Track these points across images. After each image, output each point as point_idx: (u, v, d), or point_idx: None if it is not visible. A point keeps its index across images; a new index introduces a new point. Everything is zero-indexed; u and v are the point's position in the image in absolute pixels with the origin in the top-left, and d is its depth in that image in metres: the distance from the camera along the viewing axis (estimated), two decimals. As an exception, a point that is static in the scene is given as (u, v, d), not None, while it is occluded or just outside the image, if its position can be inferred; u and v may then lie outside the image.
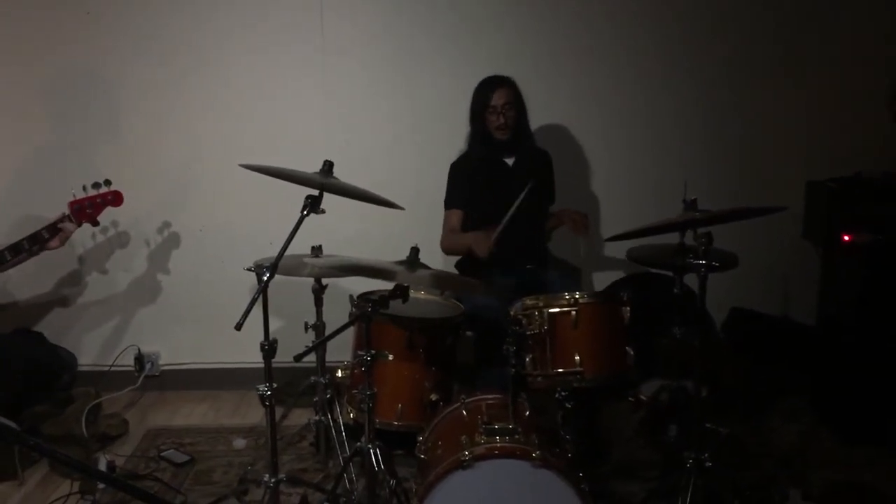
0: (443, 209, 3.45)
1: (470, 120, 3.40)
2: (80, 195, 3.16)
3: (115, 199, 3.24)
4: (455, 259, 3.49)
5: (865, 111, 3.81)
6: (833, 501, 2.84)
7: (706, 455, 2.50)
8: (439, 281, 2.68)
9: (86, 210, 3.18)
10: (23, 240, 3.06)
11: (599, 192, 3.91)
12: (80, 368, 3.77)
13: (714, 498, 2.61)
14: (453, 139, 3.52)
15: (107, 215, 3.32)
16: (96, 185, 3.16)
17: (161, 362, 3.91)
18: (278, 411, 3.28)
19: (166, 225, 3.78)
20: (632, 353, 2.60)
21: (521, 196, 3.06)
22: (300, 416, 3.42)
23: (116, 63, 3.67)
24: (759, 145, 3.87)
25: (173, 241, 3.81)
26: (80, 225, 3.18)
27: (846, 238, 3.34)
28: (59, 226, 3.10)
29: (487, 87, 3.32)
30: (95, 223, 3.24)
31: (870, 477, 3.00)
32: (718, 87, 3.81)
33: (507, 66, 3.43)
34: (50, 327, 3.80)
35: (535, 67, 3.63)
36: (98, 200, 3.20)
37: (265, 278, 2.30)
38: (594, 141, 3.86)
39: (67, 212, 3.15)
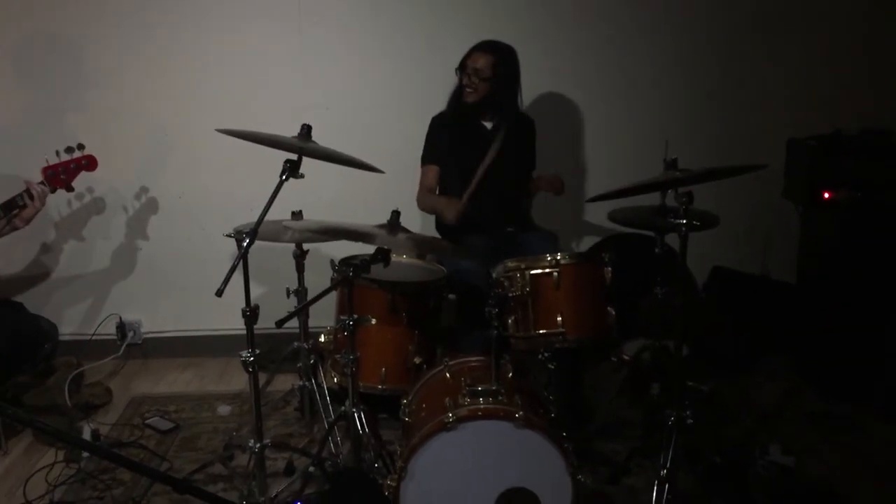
0: None
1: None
2: (54, 160, 3.10)
3: (90, 163, 3.18)
4: (436, 222, 3.47)
5: (844, 68, 3.81)
6: (813, 457, 2.89)
7: (687, 413, 2.52)
8: (419, 244, 2.67)
9: (59, 175, 3.11)
10: (-4, 208, 3.01)
11: (581, 153, 3.90)
12: (62, 338, 3.72)
13: (695, 454, 2.66)
14: (433, 101, 3.47)
15: (82, 181, 3.25)
16: (69, 150, 3.10)
17: (143, 330, 3.89)
18: (262, 377, 3.29)
19: (143, 190, 3.73)
20: (613, 313, 2.63)
21: (491, 153, 3.04)
22: (284, 382, 3.43)
23: (90, 28, 3.58)
24: (739, 104, 3.87)
25: (151, 206, 3.76)
26: (54, 190, 3.13)
27: (826, 195, 3.36)
28: (33, 192, 3.04)
29: (472, 48, 3.27)
30: (70, 189, 3.18)
31: (849, 434, 3.05)
32: (699, 47, 3.79)
33: (482, 31, 3.37)
34: (29, 297, 3.75)
35: (515, 31, 3.54)
36: (72, 165, 3.13)
37: (245, 244, 2.28)
38: (575, 103, 3.83)
39: (41, 178, 3.09)
